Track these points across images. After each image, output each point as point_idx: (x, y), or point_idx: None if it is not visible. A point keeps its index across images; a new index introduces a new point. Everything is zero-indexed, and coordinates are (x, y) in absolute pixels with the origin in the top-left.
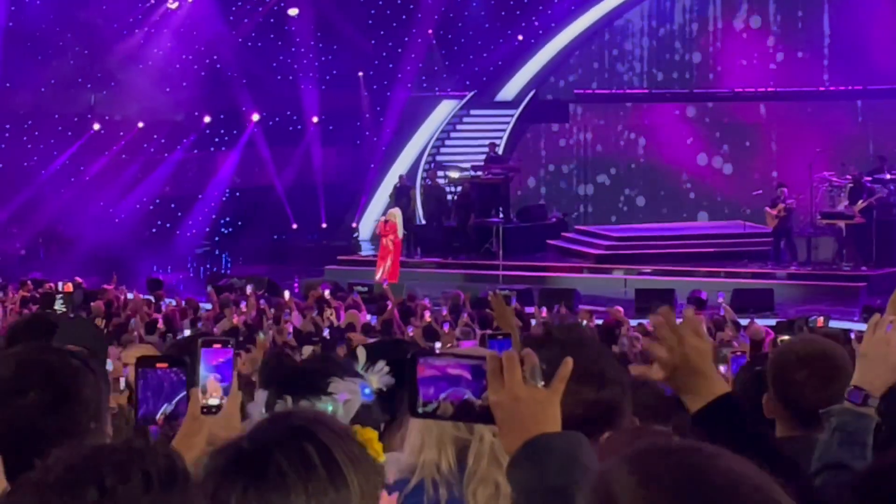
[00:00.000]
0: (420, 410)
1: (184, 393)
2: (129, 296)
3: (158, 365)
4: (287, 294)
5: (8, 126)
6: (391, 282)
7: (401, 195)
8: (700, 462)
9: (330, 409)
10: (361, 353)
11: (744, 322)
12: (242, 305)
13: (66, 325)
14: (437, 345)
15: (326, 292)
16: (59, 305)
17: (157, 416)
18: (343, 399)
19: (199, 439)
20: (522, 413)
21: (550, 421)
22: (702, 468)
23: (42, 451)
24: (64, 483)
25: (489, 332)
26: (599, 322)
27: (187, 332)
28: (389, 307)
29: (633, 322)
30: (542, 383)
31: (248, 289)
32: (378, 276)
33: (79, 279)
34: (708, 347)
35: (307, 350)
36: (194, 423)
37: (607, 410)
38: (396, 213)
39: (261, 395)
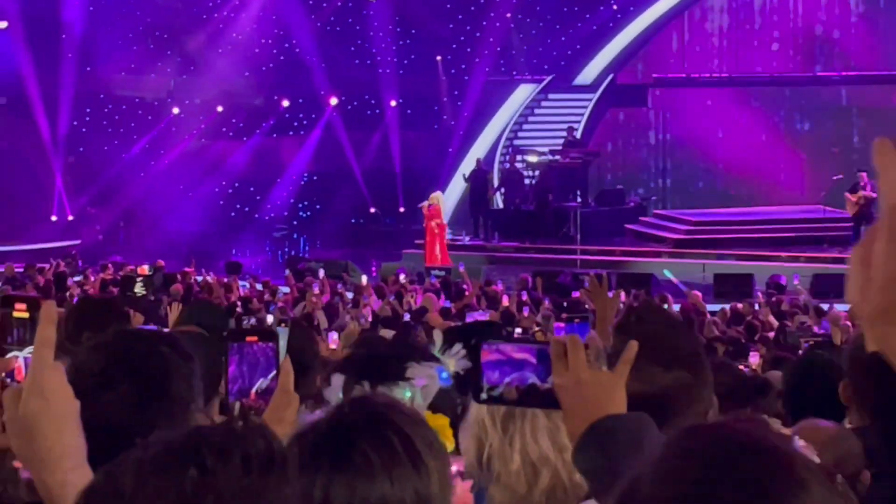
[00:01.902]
0: (484, 396)
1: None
2: (209, 279)
3: (248, 339)
4: (364, 278)
5: (88, 110)
6: (444, 265)
7: (477, 180)
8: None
9: (408, 394)
10: (438, 337)
11: (824, 307)
12: (315, 288)
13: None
14: (518, 330)
15: (402, 277)
16: (138, 288)
17: (252, 392)
18: (421, 384)
19: (290, 413)
20: (587, 396)
21: (615, 403)
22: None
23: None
24: (163, 463)
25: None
26: (677, 307)
27: (269, 317)
28: (468, 292)
29: (711, 307)
30: (606, 366)
31: (321, 273)
32: (428, 261)
33: (159, 262)
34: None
35: (386, 334)
36: (285, 397)
37: (679, 393)
38: (439, 197)
39: (338, 380)
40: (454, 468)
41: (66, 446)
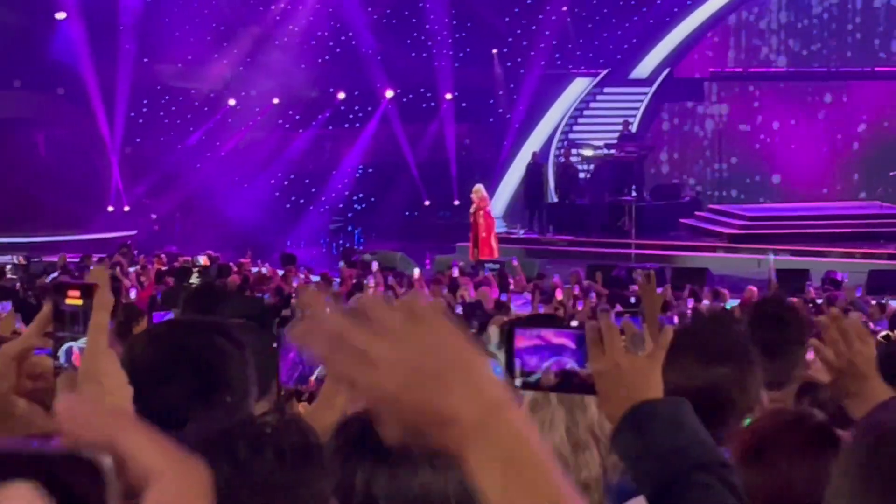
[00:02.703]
0: (519, 381)
1: None
2: (264, 270)
3: None
4: (417, 271)
5: (145, 101)
6: (492, 258)
7: (533, 172)
8: None
9: None
10: (494, 332)
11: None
12: (370, 281)
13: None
14: (574, 323)
15: (456, 270)
16: (194, 279)
17: (311, 378)
18: None
19: (340, 400)
20: (624, 381)
21: (652, 388)
22: None
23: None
24: (198, 456)
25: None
26: (735, 302)
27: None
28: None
29: None
30: (643, 351)
31: (374, 265)
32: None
33: (214, 253)
34: (872, 352)
35: None
36: (336, 384)
37: (720, 389)
38: (479, 189)
39: None
40: None
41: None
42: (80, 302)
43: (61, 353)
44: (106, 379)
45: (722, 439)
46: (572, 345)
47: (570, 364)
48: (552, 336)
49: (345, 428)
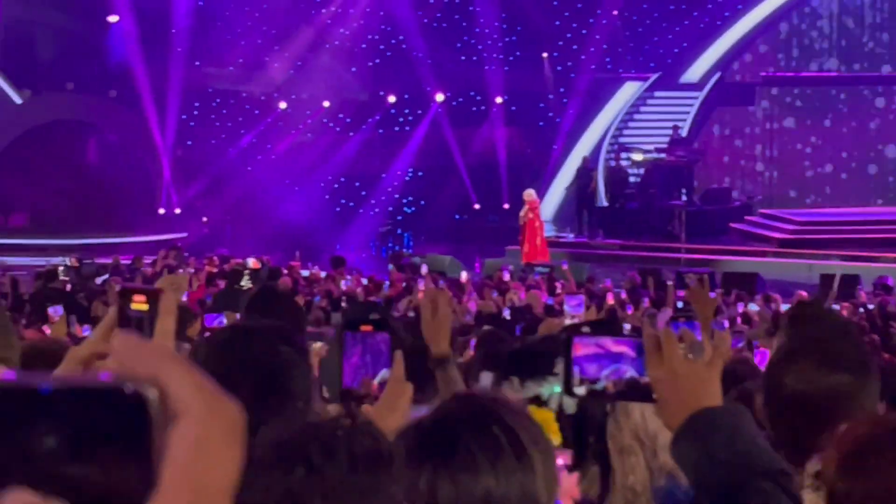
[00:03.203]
0: (583, 390)
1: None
2: (314, 272)
3: (363, 328)
4: (465, 275)
5: (197, 104)
6: (542, 260)
7: (583, 176)
8: None
9: (557, 389)
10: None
11: None
12: (420, 284)
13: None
14: (627, 326)
15: (507, 274)
16: (245, 282)
17: (374, 382)
18: None
19: (403, 402)
20: (683, 388)
21: (711, 395)
22: None
23: None
24: (271, 460)
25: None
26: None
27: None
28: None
29: None
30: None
31: (424, 269)
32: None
33: (264, 256)
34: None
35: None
36: (398, 386)
37: (839, 396)
38: (530, 193)
39: (486, 377)
40: (560, 462)
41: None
42: (145, 307)
43: None
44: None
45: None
46: (632, 353)
47: (630, 372)
48: (611, 344)
49: (408, 432)
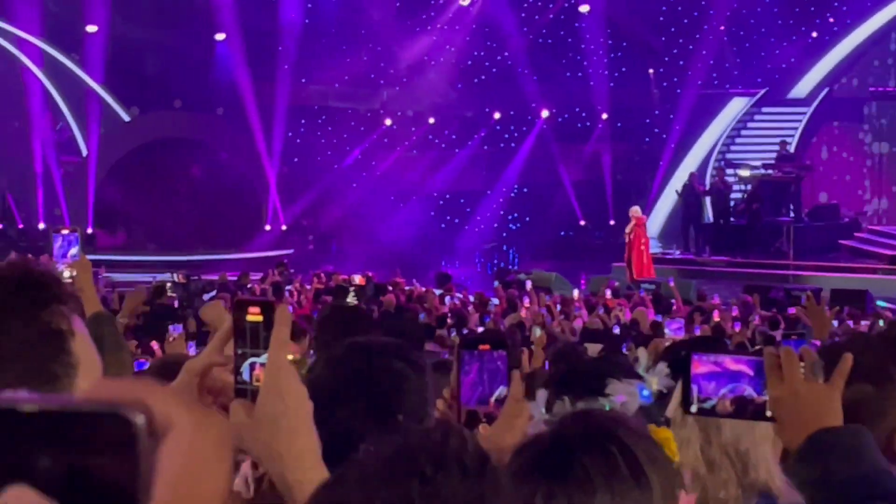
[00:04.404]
0: (694, 408)
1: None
2: (419, 289)
3: (481, 347)
4: (576, 291)
5: (303, 121)
6: (648, 277)
7: (689, 194)
8: None
9: (607, 409)
10: (643, 355)
11: None
12: (526, 301)
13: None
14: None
15: (609, 291)
16: (350, 298)
17: (491, 400)
18: (620, 401)
19: (521, 422)
20: (803, 408)
21: (832, 415)
22: None
23: None
24: (386, 474)
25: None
26: None
27: (479, 328)
28: (675, 307)
29: None
30: (822, 379)
31: (528, 285)
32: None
33: (370, 272)
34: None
35: (593, 348)
36: (516, 406)
37: (859, 406)
38: (636, 210)
39: (541, 395)
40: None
41: (302, 446)
42: (260, 318)
43: (244, 368)
44: (287, 395)
45: None
46: (750, 372)
47: (748, 391)
48: (730, 363)
49: (525, 449)
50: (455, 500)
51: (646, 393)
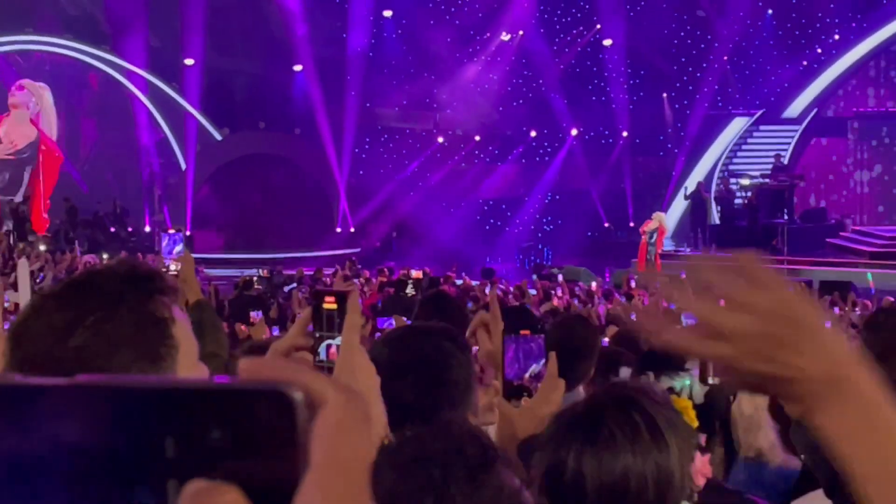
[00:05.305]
0: (710, 380)
1: (545, 358)
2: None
3: (523, 332)
4: (595, 284)
5: (367, 139)
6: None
7: (696, 199)
8: None
9: (687, 382)
10: None
11: None
12: (558, 291)
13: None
14: None
15: (633, 282)
16: (409, 289)
17: (525, 375)
18: (697, 374)
19: (556, 395)
20: None
21: None
22: None
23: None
24: (413, 469)
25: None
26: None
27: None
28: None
29: None
30: None
31: (559, 278)
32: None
33: (426, 268)
34: None
35: (611, 330)
36: (552, 381)
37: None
38: (658, 216)
39: (625, 371)
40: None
41: (372, 415)
42: (335, 306)
43: (321, 349)
44: (358, 371)
45: None
46: None
47: None
48: None
49: (562, 415)
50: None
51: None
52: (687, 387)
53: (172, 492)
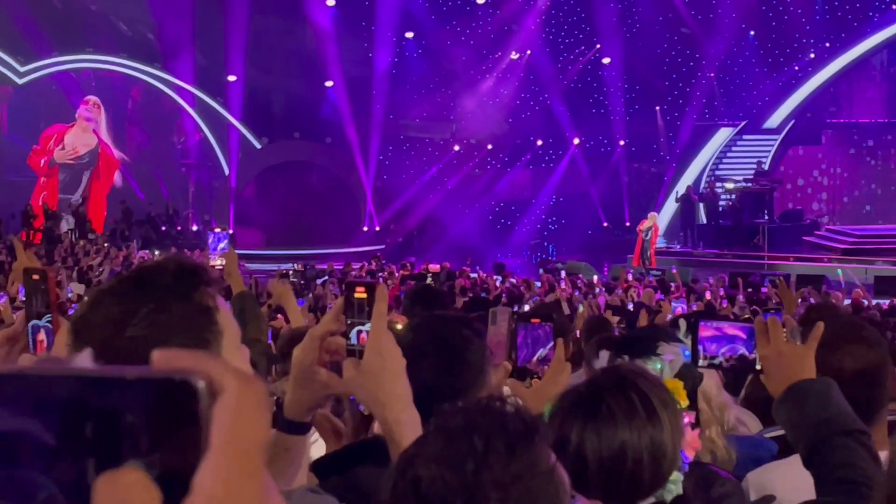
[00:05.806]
0: (704, 362)
1: (551, 343)
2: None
3: (533, 320)
4: (596, 277)
5: (391, 148)
6: (654, 267)
7: (686, 201)
8: None
9: (658, 366)
10: (682, 323)
11: None
12: (562, 283)
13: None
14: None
15: (630, 275)
16: (429, 282)
17: (534, 359)
18: (668, 359)
19: (563, 377)
20: (785, 364)
21: (807, 370)
22: None
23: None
24: (443, 456)
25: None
26: (847, 302)
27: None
28: (674, 288)
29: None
30: (800, 341)
31: (562, 273)
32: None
33: (444, 263)
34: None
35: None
36: (559, 365)
37: (881, 367)
38: (651, 216)
39: (604, 355)
40: (685, 420)
41: (398, 393)
42: (364, 296)
43: (352, 334)
44: (385, 353)
45: (875, 416)
46: (744, 335)
47: (742, 350)
48: (728, 328)
49: (566, 394)
50: (507, 477)
51: (687, 353)
52: (658, 370)
53: (91, 470)
